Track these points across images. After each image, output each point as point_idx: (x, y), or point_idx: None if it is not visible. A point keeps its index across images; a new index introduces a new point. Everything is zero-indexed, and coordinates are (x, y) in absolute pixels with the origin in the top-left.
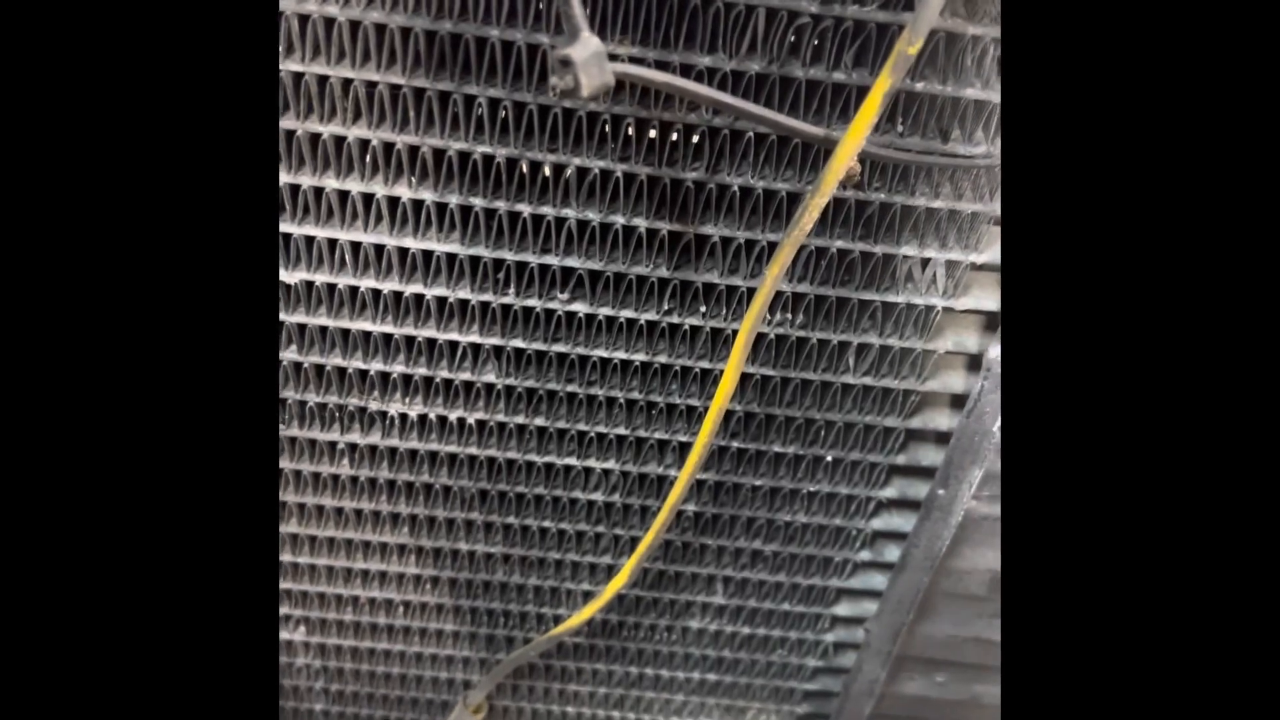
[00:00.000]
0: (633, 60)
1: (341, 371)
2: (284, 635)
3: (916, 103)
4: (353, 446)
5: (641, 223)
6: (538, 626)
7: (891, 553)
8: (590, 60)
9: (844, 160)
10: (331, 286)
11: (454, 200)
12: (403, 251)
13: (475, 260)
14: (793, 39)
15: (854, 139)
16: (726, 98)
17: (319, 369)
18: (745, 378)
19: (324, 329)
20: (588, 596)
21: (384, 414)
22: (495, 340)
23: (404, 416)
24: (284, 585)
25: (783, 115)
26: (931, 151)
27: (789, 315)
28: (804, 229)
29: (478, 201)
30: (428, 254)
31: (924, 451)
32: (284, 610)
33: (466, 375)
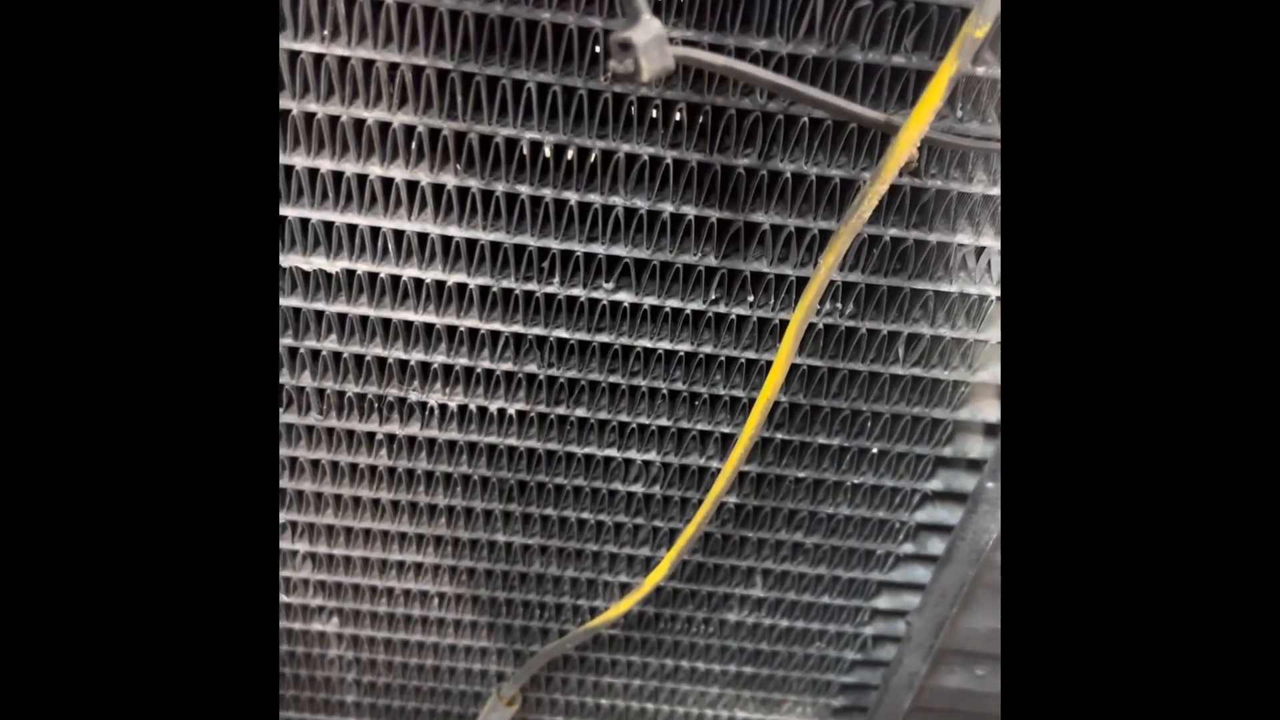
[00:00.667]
0: (687, 44)
1: (381, 361)
2: (317, 626)
3: (977, 87)
4: (391, 437)
5: (690, 210)
6: (574, 618)
7: (935, 545)
8: (652, 44)
9: (907, 146)
10: (373, 275)
11: (500, 187)
12: (446, 239)
13: (520, 248)
14: (851, 21)
15: (918, 124)
16: (785, 81)
17: (358, 358)
18: (792, 368)
19: (364, 318)
20: (625, 589)
21: (423, 404)
22: (538, 330)
23: (443, 407)
24: (318, 576)
25: (841, 99)
26: (991, 138)
27: (838, 305)
28: (862, 217)
29: (524, 188)
30: (471, 242)
31: (971, 443)
32: (317, 601)
33: (508, 365)
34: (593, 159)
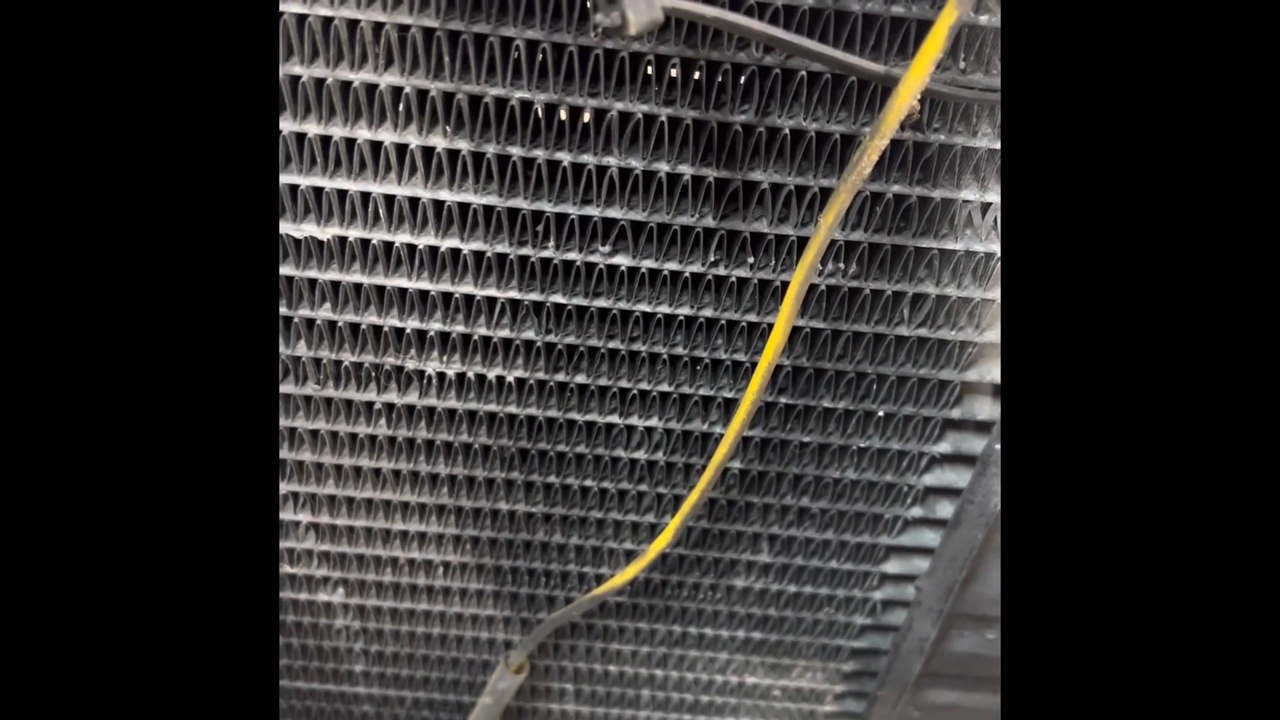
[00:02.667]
0: None
1: (377, 330)
2: (323, 597)
3: (980, 37)
4: (389, 406)
5: (687, 170)
6: (579, 586)
7: (944, 509)
8: None
9: (906, 99)
10: (365, 242)
11: (490, 149)
12: (438, 204)
13: (513, 212)
14: None
15: (917, 76)
16: (780, 33)
17: (354, 327)
18: (794, 331)
19: (358, 286)
20: (630, 555)
21: (421, 373)
22: (534, 295)
23: (441, 375)
24: (322, 547)
25: (839, 51)
26: (996, 89)
27: (841, 265)
28: (861, 173)
29: (515, 150)
30: (464, 206)
31: (979, 405)
32: (322, 572)
33: (505, 332)
34: (585, 118)
